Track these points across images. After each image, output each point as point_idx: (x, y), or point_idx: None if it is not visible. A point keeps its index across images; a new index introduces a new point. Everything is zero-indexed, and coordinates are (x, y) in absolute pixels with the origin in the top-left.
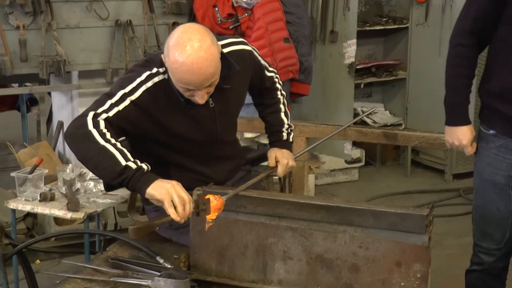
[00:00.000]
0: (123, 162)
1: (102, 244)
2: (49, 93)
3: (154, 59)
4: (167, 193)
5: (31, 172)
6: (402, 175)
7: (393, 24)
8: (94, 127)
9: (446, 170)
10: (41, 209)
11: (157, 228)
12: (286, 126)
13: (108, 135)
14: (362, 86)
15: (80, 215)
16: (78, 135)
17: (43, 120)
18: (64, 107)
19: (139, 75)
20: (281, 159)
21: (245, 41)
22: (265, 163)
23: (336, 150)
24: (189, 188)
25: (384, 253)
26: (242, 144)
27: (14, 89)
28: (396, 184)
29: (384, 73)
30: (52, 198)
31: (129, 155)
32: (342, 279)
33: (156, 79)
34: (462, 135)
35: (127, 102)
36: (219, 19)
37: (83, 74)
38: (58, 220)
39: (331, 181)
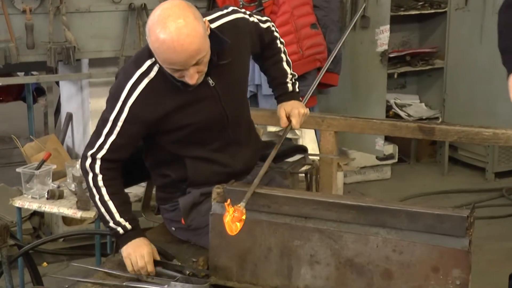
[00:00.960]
0: (108, 222)
1: (114, 245)
2: (57, 83)
3: (143, 53)
4: (127, 257)
5: (38, 167)
6: (438, 173)
7: (430, 9)
8: (91, 177)
9: (487, 168)
10: (49, 207)
11: (173, 229)
12: (289, 76)
13: (102, 189)
14: (395, 76)
15: (90, 214)
16: (83, 178)
17: (51, 112)
18: (73, 98)
19: (123, 88)
20: (292, 111)
21: (237, 8)
22: (290, 159)
23: (366, 146)
24: (208, 182)
25: (420, 257)
26: (265, 138)
27: (20, 78)
28: (432, 183)
29: (420, 62)
30: (61, 196)
31: (116, 213)
32: (374, 285)
33: (145, 81)
34: None
35: (118, 126)
36: (241, 3)
37: (94, 62)
38: (66, 220)
39: (361, 179)
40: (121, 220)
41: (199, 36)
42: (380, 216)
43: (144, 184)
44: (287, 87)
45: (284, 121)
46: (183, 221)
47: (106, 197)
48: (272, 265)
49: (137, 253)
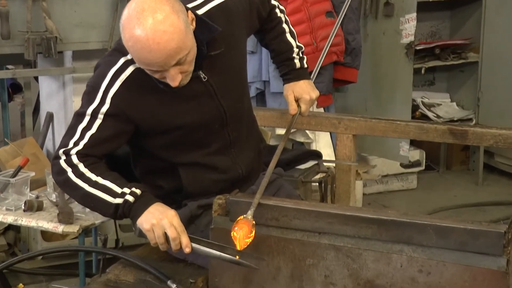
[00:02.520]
0: (112, 201)
1: (101, 264)
2: (36, 78)
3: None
4: (149, 229)
5: (14, 175)
6: (472, 183)
7: None
8: (71, 170)
9: None
10: (26, 220)
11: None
12: (295, 49)
13: (87, 174)
14: (423, 71)
15: (74, 228)
16: (61, 183)
17: (29, 112)
18: (54, 96)
19: (105, 75)
20: (301, 95)
21: None
22: (302, 166)
23: (389, 151)
24: (206, 192)
25: (450, 279)
26: (273, 142)
27: None
28: (464, 194)
29: (451, 55)
30: (40, 208)
31: (114, 187)
32: None
33: (130, 69)
34: None
35: (99, 118)
36: None
37: (78, 55)
38: (46, 235)
39: (383, 189)
40: (126, 189)
41: (179, 32)
42: (405, 231)
43: None
44: (294, 63)
45: (293, 107)
46: None
47: (96, 178)
48: (281, 287)
49: (164, 222)
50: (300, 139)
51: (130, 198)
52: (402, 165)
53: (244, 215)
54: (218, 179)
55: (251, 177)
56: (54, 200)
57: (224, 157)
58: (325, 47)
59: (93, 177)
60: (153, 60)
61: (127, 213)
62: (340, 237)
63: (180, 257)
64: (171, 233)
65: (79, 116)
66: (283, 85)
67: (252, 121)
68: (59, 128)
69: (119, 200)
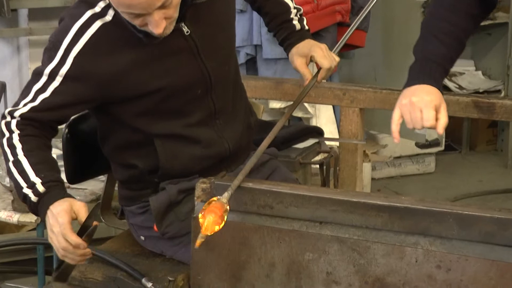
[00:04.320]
0: (21, 189)
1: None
2: None
3: None
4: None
5: None
6: (500, 166)
7: None
8: (6, 137)
9: None
10: None
11: (143, 238)
12: (293, 10)
13: (17, 145)
14: None
15: (31, 218)
16: None
17: None
18: (7, 62)
19: (67, 30)
20: (311, 51)
21: None
22: (301, 145)
23: (403, 128)
24: (187, 172)
25: (473, 276)
26: (266, 117)
27: None
28: (491, 179)
29: None
30: None
31: (30, 171)
32: None
33: (97, 24)
34: None
35: (56, 81)
36: None
37: (35, 14)
38: None
39: (396, 173)
40: (36, 180)
41: None
42: (421, 221)
43: (103, 177)
44: (293, 25)
45: (307, 77)
46: (155, 228)
47: (20, 155)
48: (276, 287)
49: (53, 222)
50: (298, 113)
51: (31, 195)
52: (417, 145)
53: (219, 197)
54: (201, 154)
55: (240, 155)
56: (8, 185)
57: (207, 129)
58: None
59: (19, 152)
60: (134, 0)
61: (35, 211)
62: (344, 228)
63: (157, 251)
64: (57, 240)
65: (37, 75)
66: (287, 53)
67: (240, 90)
68: (13, 99)
69: (26, 191)
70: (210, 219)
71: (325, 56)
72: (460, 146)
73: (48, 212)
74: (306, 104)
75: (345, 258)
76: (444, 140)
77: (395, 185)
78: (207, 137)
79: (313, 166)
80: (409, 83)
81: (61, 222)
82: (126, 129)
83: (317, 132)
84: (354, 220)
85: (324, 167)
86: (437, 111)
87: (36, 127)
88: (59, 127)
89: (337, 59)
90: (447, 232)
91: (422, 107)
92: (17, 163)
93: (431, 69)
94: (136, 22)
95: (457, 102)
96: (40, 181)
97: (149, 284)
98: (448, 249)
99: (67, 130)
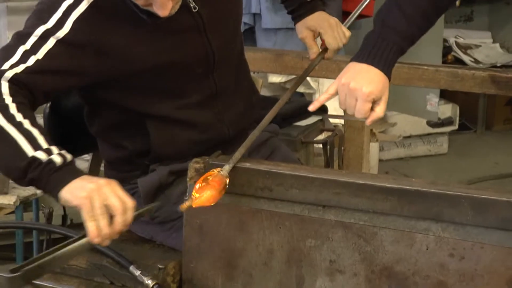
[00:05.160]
0: (30, 152)
1: (45, 246)
2: None
3: None
4: (88, 197)
5: None
6: None
7: None
8: None
9: None
10: None
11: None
12: None
13: (11, 109)
14: (457, 3)
15: (9, 200)
16: None
17: None
18: None
19: None
20: (320, 27)
21: None
22: (302, 123)
23: (414, 105)
24: (181, 156)
25: (489, 265)
26: (266, 92)
27: None
28: (508, 161)
29: None
30: None
31: (41, 139)
32: None
33: None
34: None
35: (51, 42)
36: None
37: None
38: None
39: (405, 154)
40: (53, 148)
41: None
42: (433, 205)
43: (87, 156)
44: None
45: (314, 50)
46: None
47: (22, 120)
48: (275, 275)
49: (106, 189)
50: (300, 88)
51: (57, 159)
52: (429, 124)
53: (220, 170)
54: (198, 139)
55: (240, 138)
56: None
57: (206, 112)
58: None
59: (18, 116)
60: None
61: (44, 176)
62: (350, 212)
63: (146, 237)
64: (115, 203)
65: (22, 36)
66: (294, 24)
67: (243, 68)
68: None
69: (40, 155)
70: (207, 194)
71: (334, 36)
72: (475, 125)
73: (85, 177)
74: (308, 79)
75: (350, 245)
76: (458, 118)
77: (405, 167)
78: (205, 121)
79: (316, 145)
80: (358, 57)
81: (111, 181)
82: (116, 110)
83: (321, 109)
84: (360, 204)
85: (328, 146)
86: (375, 102)
87: (24, 96)
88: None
89: (348, 34)
90: (461, 217)
91: (358, 97)
92: (19, 126)
93: (385, 48)
94: (139, 2)
95: (473, 77)
96: (57, 150)
97: (138, 272)
98: (462, 235)
99: (48, 104)
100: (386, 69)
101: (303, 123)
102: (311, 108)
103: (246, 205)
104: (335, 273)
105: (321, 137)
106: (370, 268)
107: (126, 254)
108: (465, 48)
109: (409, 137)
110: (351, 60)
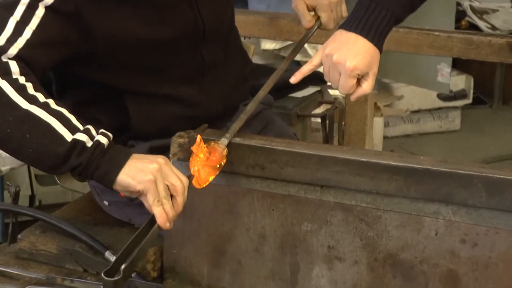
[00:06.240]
0: (69, 136)
1: (11, 228)
2: None
3: None
4: (153, 180)
5: None
6: None
7: None
8: (5, 79)
9: None
10: None
11: (106, 203)
12: None
13: (29, 90)
14: None
15: None
16: None
17: None
18: None
19: None
20: (320, 4)
21: None
22: (299, 94)
23: (423, 76)
24: (166, 134)
25: (505, 252)
26: (258, 60)
27: None
28: None
29: None
30: None
31: (74, 119)
32: None
33: None
34: None
35: (41, 10)
36: None
37: None
38: None
39: (413, 130)
40: (90, 128)
41: None
42: (443, 185)
43: None
44: None
45: (307, 19)
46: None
47: (46, 100)
48: (267, 263)
49: (166, 169)
50: (296, 56)
51: (103, 139)
52: (440, 97)
53: (217, 141)
54: (181, 115)
55: (230, 115)
56: None
57: (191, 87)
58: None
59: (40, 97)
60: None
61: (94, 160)
62: (351, 193)
63: (124, 219)
64: (176, 182)
65: (7, 6)
66: None
67: (234, 38)
68: None
69: (82, 137)
70: (205, 173)
71: (330, 16)
72: (491, 99)
73: (135, 158)
74: (306, 46)
75: (351, 229)
76: (472, 91)
77: (412, 144)
78: (189, 96)
79: (313, 119)
80: (347, 24)
81: (164, 158)
82: (92, 85)
83: (319, 79)
84: (362, 184)
85: (327, 120)
86: (362, 77)
87: (34, 75)
88: None
89: (345, 15)
90: (474, 199)
91: (341, 72)
92: (47, 107)
93: (378, 15)
94: None
95: (489, 44)
96: (95, 131)
97: (114, 258)
98: (475, 219)
99: None
100: (377, 40)
101: (299, 94)
102: (293, 80)
103: (235, 184)
104: (333, 260)
105: (320, 110)
106: (372, 256)
107: (101, 239)
108: (480, 12)
109: (417, 111)
110: (339, 27)
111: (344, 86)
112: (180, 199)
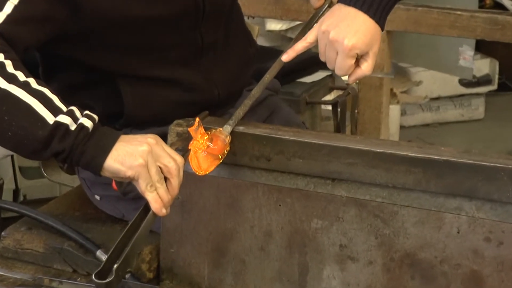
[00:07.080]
0: (50, 119)
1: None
2: None
3: None
4: (143, 164)
5: None
6: None
7: None
8: None
9: None
10: None
11: (98, 197)
12: None
13: (8, 68)
14: None
15: None
16: None
17: None
18: None
19: None
20: None
21: None
22: (308, 79)
23: (443, 60)
24: (162, 121)
25: None
26: (263, 42)
27: None
28: None
29: None
30: None
31: (57, 99)
32: None
33: None
34: None
35: None
36: None
37: None
38: None
39: (432, 119)
40: (74, 109)
41: None
42: (465, 179)
43: None
44: None
45: None
46: (114, 185)
47: (27, 79)
48: (273, 263)
49: (158, 149)
50: None
51: (87, 122)
52: (462, 83)
53: (220, 129)
54: (178, 100)
55: (233, 101)
56: None
57: (189, 70)
58: None
59: (20, 76)
60: None
61: (78, 145)
62: (365, 187)
63: (117, 216)
64: (169, 163)
65: None
66: None
67: (237, 16)
68: None
69: (65, 119)
70: (207, 163)
71: None
72: None
73: (123, 141)
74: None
75: (365, 227)
76: (497, 76)
77: (432, 134)
78: (188, 79)
79: (324, 106)
80: None
81: (155, 136)
82: (82, 68)
83: None
84: (377, 177)
85: (339, 108)
86: (362, 57)
87: (14, 53)
88: None
89: None
90: (499, 194)
91: (338, 51)
92: (28, 87)
93: None
94: None
95: None
96: (79, 112)
97: (105, 257)
98: (500, 216)
99: None
100: (379, 16)
101: (308, 79)
102: (285, 58)
103: (238, 177)
104: (346, 260)
105: (331, 96)
106: (388, 255)
107: (92, 236)
108: None
109: (437, 98)
110: (338, 1)
111: (341, 66)
112: (175, 181)
